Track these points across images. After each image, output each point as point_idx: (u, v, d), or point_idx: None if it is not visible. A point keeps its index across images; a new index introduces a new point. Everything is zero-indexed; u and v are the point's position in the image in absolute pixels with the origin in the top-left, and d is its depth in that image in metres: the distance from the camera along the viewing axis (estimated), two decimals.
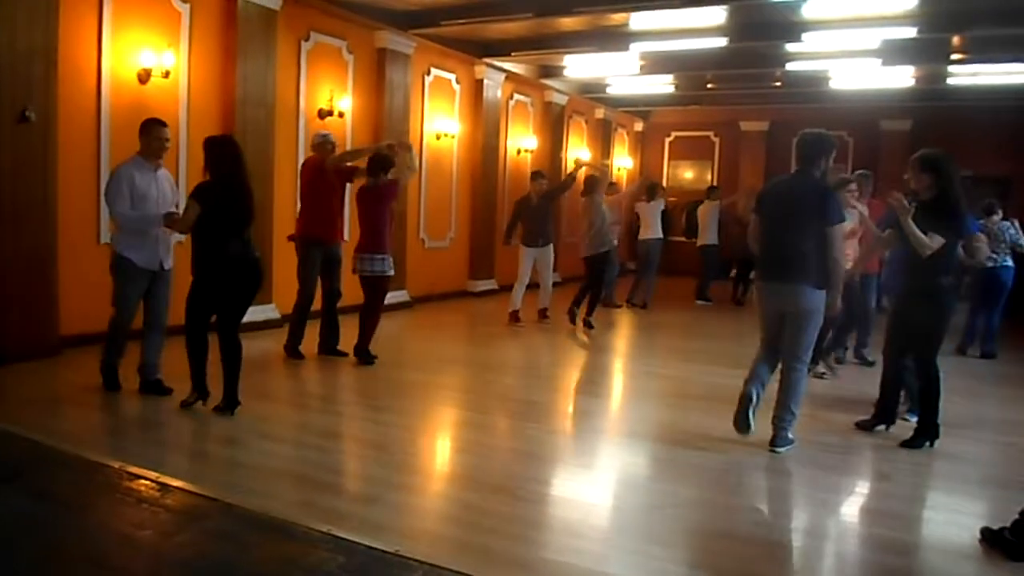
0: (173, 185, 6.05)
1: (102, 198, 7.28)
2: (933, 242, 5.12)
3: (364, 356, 7.29)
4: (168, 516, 3.71)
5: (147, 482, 4.04)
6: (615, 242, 10.36)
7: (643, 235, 12.64)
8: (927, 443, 5.35)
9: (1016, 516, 3.62)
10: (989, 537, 3.73)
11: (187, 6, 7.96)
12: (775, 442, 5.13)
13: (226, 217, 5.33)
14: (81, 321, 7.03)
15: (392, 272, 7.45)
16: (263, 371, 6.73)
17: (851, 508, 4.48)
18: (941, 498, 4.72)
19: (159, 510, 3.75)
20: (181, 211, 5.64)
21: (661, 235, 12.63)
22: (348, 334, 7.50)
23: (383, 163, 7.31)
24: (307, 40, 9.50)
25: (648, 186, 13.07)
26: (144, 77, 7.59)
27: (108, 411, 5.60)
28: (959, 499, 4.63)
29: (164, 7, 7.78)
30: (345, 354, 7.43)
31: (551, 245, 10.31)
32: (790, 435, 5.16)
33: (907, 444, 5.35)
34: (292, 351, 7.42)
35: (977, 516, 4.11)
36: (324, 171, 7.32)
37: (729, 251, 13.52)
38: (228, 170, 5.36)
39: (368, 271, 7.22)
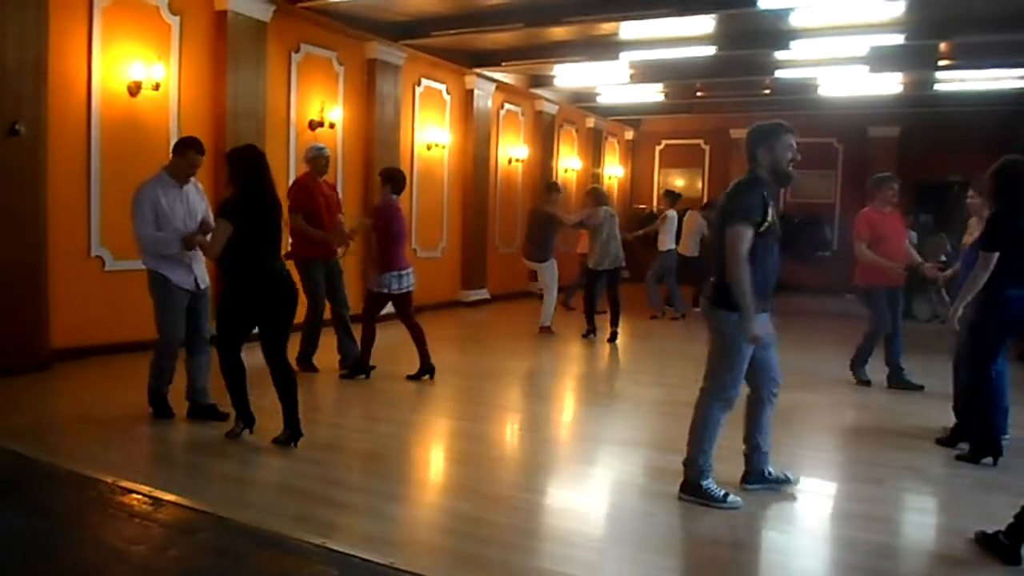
0: (203, 195, 5.79)
1: (92, 210, 7.31)
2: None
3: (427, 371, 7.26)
4: (161, 530, 3.69)
5: (139, 496, 4.02)
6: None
7: (663, 246, 12.44)
8: (986, 458, 5.08)
9: (1011, 520, 3.63)
10: (984, 541, 3.74)
11: (177, 18, 7.97)
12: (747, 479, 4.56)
13: (258, 231, 5.09)
14: (72, 334, 7.01)
15: None
16: (256, 384, 6.68)
17: (843, 512, 4.48)
18: (934, 502, 4.74)
19: (151, 524, 3.73)
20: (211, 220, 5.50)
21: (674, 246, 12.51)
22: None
23: (404, 177, 7.34)
24: (297, 51, 9.51)
25: (667, 195, 13.08)
26: (135, 89, 7.59)
27: (98, 426, 5.54)
28: (953, 503, 4.64)
29: (154, 19, 7.79)
30: (373, 367, 7.33)
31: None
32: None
33: (963, 458, 5.18)
34: (305, 364, 7.33)
35: (973, 520, 4.11)
36: (319, 186, 7.30)
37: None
38: (254, 182, 5.12)
39: (410, 285, 7.20)
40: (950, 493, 4.82)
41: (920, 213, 15.58)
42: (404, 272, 7.14)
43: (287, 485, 4.61)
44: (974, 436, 5.23)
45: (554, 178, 15.59)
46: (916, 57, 11.37)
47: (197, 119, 8.20)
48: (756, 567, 3.79)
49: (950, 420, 5.68)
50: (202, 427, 5.41)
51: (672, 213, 12.45)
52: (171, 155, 5.64)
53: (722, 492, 4.28)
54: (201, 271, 5.67)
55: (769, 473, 4.50)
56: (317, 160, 7.36)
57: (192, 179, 5.67)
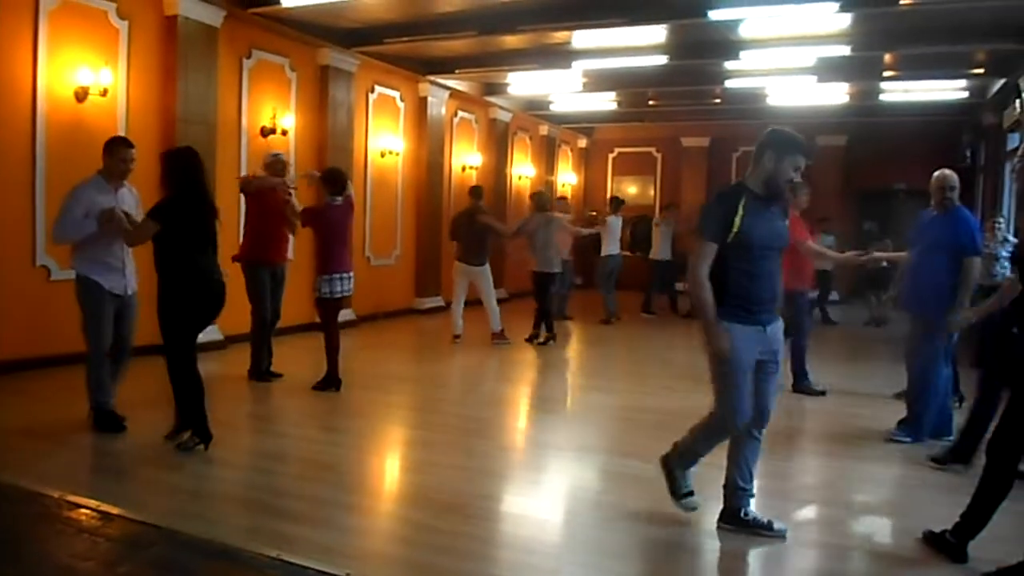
0: (137, 200, 5.72)
1: (38, 219, 7.13)
2: None
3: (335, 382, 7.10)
4: (110, 546, 3.61)
5: (87, 511, 3.93)
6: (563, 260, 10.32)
7: (606, 251, 12.60)
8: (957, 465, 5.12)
9: (958, 519, 3.72)
10: (932, 539, 3.83)
11: (125, 23, 7.84)
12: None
13: (191, 235, 5.07)
14: (16, 346, 6.84)
15: None
16: (207, 394, 6.58)
17: (799, 516, 4.56)
18: (886, 503, 4.84)
19: (100, 540, 3.65)
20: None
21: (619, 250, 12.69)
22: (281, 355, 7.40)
23: (343, 178, 7.24)
24: (249, 57, 9.41)
25: (611, 201, 13.28)
26: (81, 95, 7.44)
27: (44, 439, 5.39)
28: (903, 504, 4.75)
29: (101, 24, 7.65)
30: (279, 375, 7.29)
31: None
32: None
33: (936, 459, 5.24)
34: (258, 374, 7.23)
35: (920, 520, 4.21)
36: (272, 191, 7.22)
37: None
38: (189, 185, 5.08)
39: (349, 291, 7.11)
40: (901, 494, 4.93)
41: (865, 220, 15.98)
42: (340, 276, 7.02)
43: (239, 497, 4.55)
44: (959, 442, 5.22)
45: (509, 186, 15.68)
46: (862, 68, 11.65)
47: (146, 125, 8.06)
48: (715, 570, 3.84)
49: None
50: (149, 439, 5.28)
51: (614, 219, 12.60)
52: (103, 158, 5.51)
53: (766, 519, 4.01)
54: (131, 277, 5.58)
55: (746, 514, 4.04)
56: (274, 165, 7.31)
57: (126, 184, 5.61)
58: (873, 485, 5.12)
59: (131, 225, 5.34)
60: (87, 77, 7.46)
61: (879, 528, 4.51)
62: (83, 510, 3.94)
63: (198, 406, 5.13)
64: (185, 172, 5.11)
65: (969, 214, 5.68)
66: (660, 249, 13.39)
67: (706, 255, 3.83)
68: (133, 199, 5.67)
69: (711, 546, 4.00)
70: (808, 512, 4.58)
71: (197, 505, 4.26)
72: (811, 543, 4.01)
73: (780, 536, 3.96)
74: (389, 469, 5.58)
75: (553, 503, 4.77)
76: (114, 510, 3.95)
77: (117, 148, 5.51)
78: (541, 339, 10.21)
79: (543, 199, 10.66)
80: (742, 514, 4.02)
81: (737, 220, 3.80)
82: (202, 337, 6.87)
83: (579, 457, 5.62)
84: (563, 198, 14.77)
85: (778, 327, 3.98)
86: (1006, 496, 3.61)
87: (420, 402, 7.29)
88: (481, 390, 7.91)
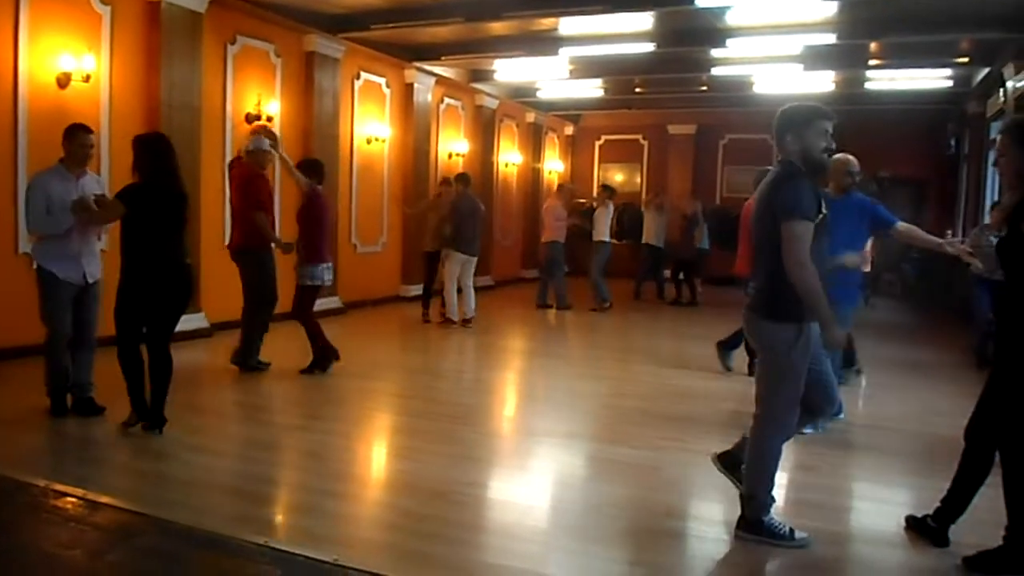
0: (102, 187, 5.70)
1: (19, 207, 7.07)
2: None
3: (326, 363, 7.15)
4: (97, 535, 3.61)
5: (74, 500, 3.93)
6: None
7: (598, 238, 12.62)
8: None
9: (938, 504, 3.77)
10: (914, 525, 3.87)
11: (108, 8, 7.76)
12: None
13: (157, 222, 5.05)
14: (1, 334, 6.79)
15: None
16: (194, 383, 6.58)
17: (780, 500, 4.60)
18: (867, 488, 4.90)
19: (87, 528, 3.65)
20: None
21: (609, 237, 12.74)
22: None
23: (322, 167, 7.26)
24: (233, 43, 9.34)
25: (603, 189, 13.36)
26: (64, 81, 7.37)
27: (30, 429, 5.38)
28: (884, 489, 4.81)
29: (84, 10, 7.57)
30: (268, 364, 7.29)
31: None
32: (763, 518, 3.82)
33: None
34: (251, 363, 7.19)
35: (903, 505, 4.27)
36: (262, 179, 7.19)
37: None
38: (159, 171, 5.07)
39: (329, 280, 7.13)
40: (878, 479, 4.99)
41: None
42: (327, 266, 7.11)
43: (226, 485, 4.55)
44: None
45: (496, 173, 15.68)
46: (848, 56, 11.68)
47: (130, 111, 8.00)
48: (699, 554, 3.87)
49: None
50: (135, 428, 5.26)
51: (609, 206, 12.66)
52: (63, 146, 5.44)
53: (785, 529, 3.79)
54: (92, 266, 5.53)
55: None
56: (256, 155, 7.25)
57: (89, 171, 5.58)
58: (851, 468, 5.17)
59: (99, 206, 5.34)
60: (69, 63, 7.38)
61: (859, 512, 4.55)
62: (69, 499, 3.94)
63: (136, 386, 5.19)
64: (155, 159, 5.10)
65: (863, 197, 5.65)
66: (654, 235, 13.37)
67: (807, 237, 3.48)
68: (98, 187, 5.62)
69: (696, 531, 4.04)
70: (791, 496, 4.62)
71: (184, 493, 4.26)
72: (797, 528, 4.03)
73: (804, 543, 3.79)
74: (375, 456, 5.59)
75: (539, 489, 4.80)
76: (100, 499, 3.95)
77: (76, 134, 5.44)
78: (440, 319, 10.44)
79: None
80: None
81: (823, 203, 3.60)
82: (188, 325, 6.87)
83: (565, 444, 5.65)
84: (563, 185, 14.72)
85: None
86: (985, 480, 3.65)
87: (406, 389, 7.30)
88: (467, 377, 7.94)
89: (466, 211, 10.17)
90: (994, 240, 4.18)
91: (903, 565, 3.73)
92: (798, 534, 3.80)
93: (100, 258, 5.71)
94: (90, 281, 5.51)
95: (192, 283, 5.33)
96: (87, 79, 7.53)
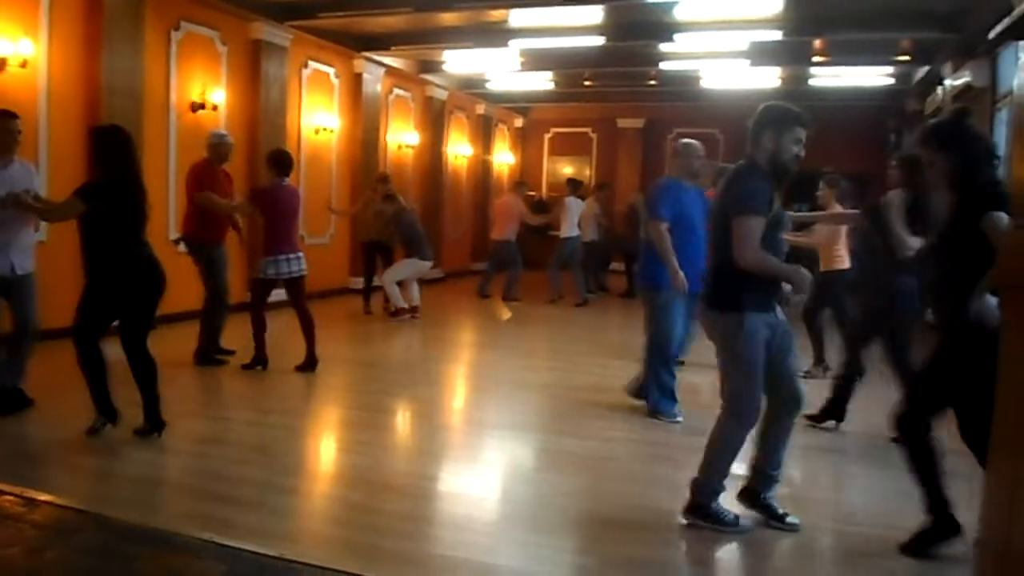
0: (32, 178, 5.44)
1: None
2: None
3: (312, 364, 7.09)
4: (36, 532, 3.51)
5: (11, 497, 3.81)
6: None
7: (565, 232, 12.66)
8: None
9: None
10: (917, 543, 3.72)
11: None
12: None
13: (125, 217, 4.88)
14: None
15: None
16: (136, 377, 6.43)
17: (732, 491, 4.66)
18: (827, 479, 5.00)
19: (25, 526, 3.55)
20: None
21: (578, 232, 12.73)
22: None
23: (290, 160, 7.17)
24: (177, 30, 9.14)
25: (568, 183, 13.38)
26: (0, 66, 7.14)
27: None
28: (844, 480, 4.92)
29: None
30: (232, 352, 7.20)
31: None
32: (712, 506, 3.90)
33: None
34: (208, 357, 7.11)
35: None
36: (217, 172, 7.07)
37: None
38: (124, 167, 4.90)
39: (299, 271, 7.03)
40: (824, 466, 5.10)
41: (794, 202, 16.33)
42: (287, 257, 6.95)
43: (171, 481, 4.48)
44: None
45: (444, 165, 15.63)
46: (793, 53, 11.89)
47: (69, 98, 7.78)
48: (649, 543, 3.91)
49: None
50: (78, 424, 5.13)
51: (572, 200, 12.70)
52: None
53: (730, 516, 3.87)
54: (21, 258, 5.29)
55: (765, 498, 3.95)
56: (219, 148, 7.15)
57: (17, 158, 5.31)
58: (811, 460, 5.26)
59: (42, 203, 5.17)
60: (6, 48, 7.14)
61: (810, 501, 4.63)
62: (7, 496, 3.81)
63: (101, 387, 4.97)
64: (119, 153, 4.92)
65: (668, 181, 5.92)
66: (589, 229, 13.29)
67: (758, 232, 3.60)
68: (27, 174, 5.38)
69: (645, 521, 4.07)
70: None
71: (128, 490, 4.18)
72: (748, 516, 4.09)
73: (792, 527, 3.89)
74: (325, 450, 5.54)
75: (489, 481, 4.80)
76: (40, 496, 3.84)
77: (1, 120, 5.20)
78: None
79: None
80: (762, 497, 3.94)
81: (775, 201, 3.70)
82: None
83: (515, 436, 5.66)
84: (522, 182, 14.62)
85: (779, 310, 3.90)
86: (937, 462, 3.65)
87: (355, 382, 7.25)
88: (417, 370, 7.90)
89: (410, 220, 10.38)
90: None
91: (845, 548, 3.82)
92: (742, 521, 3.87)
93: (33, 250, 5.48)
94: (19, 273, 5.26)
95: (162, 275, 5.08)
96: (24, 64, 7.30)
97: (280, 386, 6.69)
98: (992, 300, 3.26)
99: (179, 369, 6.94)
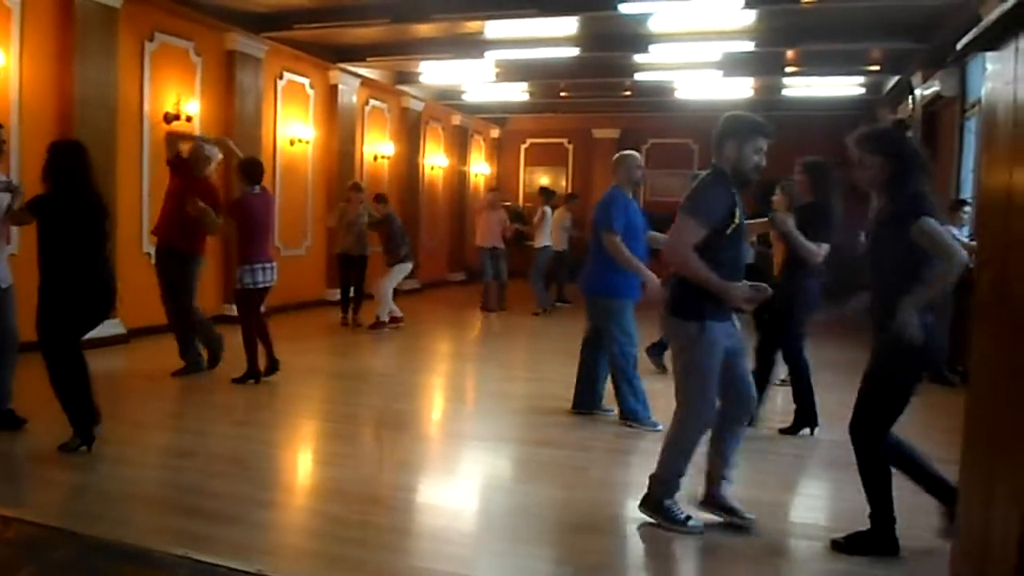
0: (12, 189, 5.28)
1: None
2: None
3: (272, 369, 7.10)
4: (7, 551, 3.47)
5: None
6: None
7: (540, 242, 12.80)
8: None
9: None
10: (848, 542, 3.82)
11: (18, 2, 7.46)
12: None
13: (72, 234, 4.80)
14: None
15: None
16: (111, 390, 6.36)
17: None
18: (802, 484, 5.03)
19: None
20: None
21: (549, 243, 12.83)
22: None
23: (261, 169, 7.13)
24: (151, 40, 9.09)
25: (541, 192, 13.47)
26: None
27: None
28: (815, 484, 4.95)
29: None
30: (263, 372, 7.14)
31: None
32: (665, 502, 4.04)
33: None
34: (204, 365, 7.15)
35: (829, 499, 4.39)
36: (197, 180, 7.04)
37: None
38: (68, 182, 4.83)
39: (271, 281, 7.01)
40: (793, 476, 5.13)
41: (768, 210, 16.45)
42: (263, 266, 6.94)
43: (144, 495, 4.43)
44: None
45: (421, 175, 15.64)
46: (765, 63, 12.00)
47: (41, 109, 7.71)
48: (626, 551, 3.92)
49: None
50: (50, 439, 5.06)
51: (547, 210, 12.78)
52: None
53: (683, 515, 3.98)
54: (3, 271, 5.25)
55: (720, 498, 4.07)
56: (198, 154, 7.17)
57: None
58: (785, 464, 5.30)
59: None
60: None
61: (791, 507, 4.66)
62: None
63: (82, 404, 4.90)
64: (67, 169, 4.85)
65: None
66: (560, 239, 13.27)
67: (695, 236, 3.73)
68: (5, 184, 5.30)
69: (625, 529, 4.09)
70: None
71: (102, 506, 4.13)
72: (721, 524, 4.11)
73: (748, 522, 4.00)
74: (302, 463, 5.50)
75: (467, 492, 4.80)
76: (12, 513, 3.79)
77: None
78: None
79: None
80: (717, 497, 4.05)
81: (737, 211, 3.79)
82: (104, 331, 6.62)
83: (492, 446, 5.66)
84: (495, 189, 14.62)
85: (734, 318, 4.02)
86: (889, 472, 3.74)
87: (333, 394, 7.21)
88: (394, 381, 7.87)
89: (399, 226, 10.56)
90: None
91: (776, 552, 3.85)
92: (692, 522, 3.97)
93: (9, 263, 5.42)
94: (3, 287, 5.24)
95: (113, 296, 5.06)
96: None
97: (255, 398, 6.64)
98: (915, 316, 3.39)
99: (150, 382, 6.89)
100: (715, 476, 4.07)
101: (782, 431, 5.83)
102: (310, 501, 4.63)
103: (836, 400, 5.69)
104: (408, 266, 10.52)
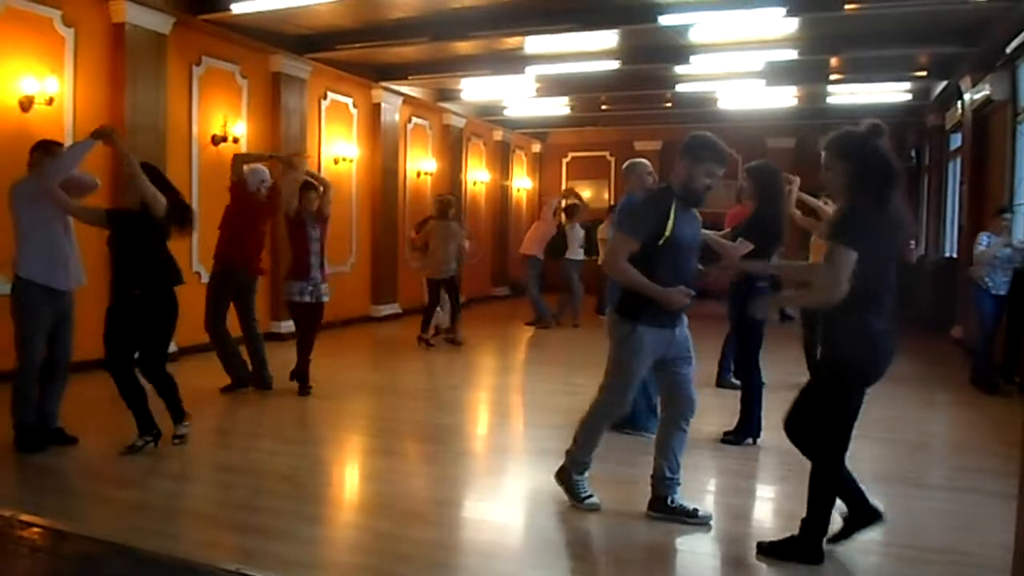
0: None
1: None
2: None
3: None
4: (65, 565, 3.54)
5: (40, 530, 3.84)
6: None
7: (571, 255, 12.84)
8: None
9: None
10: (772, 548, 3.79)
11: (71, 31, 7.70)
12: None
13: (152, 244, 5.24)
14: None
15: None
16: (162, 408, 6.47)
17: (752, 510, 4.63)
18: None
19: (56, 559, 3.59)
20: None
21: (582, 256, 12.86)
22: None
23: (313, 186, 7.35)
24: (199, 64, 9.30)
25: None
26: (27, 104, 7.29)
27: None
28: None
29: (47, 32, 7.51)
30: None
31: None
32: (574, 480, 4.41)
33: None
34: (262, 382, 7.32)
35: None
36: (252, 197, 7.19)
37: None
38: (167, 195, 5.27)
39: (327, 295, 7.19)
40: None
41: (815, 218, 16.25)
42: (303, 284, 7.11)
43: (195, 511, 4.50)
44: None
45: (464, 191, 15.72)
46: (809, 72, 11.86)
47: None
48: (674, 568, 3.88)
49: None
50: (103, 456, 5.18)
51: (576, 225, 12.78)
52: (32, 158, 5.33)
53: (585, 494, 4.36)
54: (77, 271, 5.45)
55: (672, 501, 4.21)
56: (257, 178, 7.33)
57: None
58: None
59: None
60: (32, 86, 7.31)
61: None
62: (35, 529, 3.85)
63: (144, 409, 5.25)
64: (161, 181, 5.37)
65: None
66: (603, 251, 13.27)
67: (627, 249, 3.99)
68: None
69: (675, 545, 4.04)
70: (741, 503, 4.65)
71: (154, 521, 4.20)
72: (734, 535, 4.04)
73: (705, 523, 4.14)
74: (349, 478, 5.54)
75: (513, 507, 4.78)
76: (69, 528, 3.87)
77: (50, 149, 5.41)
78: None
79: (444, 205, 10.59)
80: (669, 501, 4.19)
81: (669, 224, 3.96)
82: None
83: (538, 460, 5.61)
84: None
85: (685, 328, 4.20)
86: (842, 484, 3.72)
87: (378, 410, 7.25)
88: (439, 397, 7.90)
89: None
90: None
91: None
92: (590, 500, 4.32)
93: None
94: (74, 287, 5.42)
95: (175, 303, 5.38)
96: (50, 102, 7.46)
97: (302, 414, 6.72)
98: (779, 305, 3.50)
99: (199, 399, 6.98)
100: (662, 480, 4.21)
101: (724, 439, 5.82)
102: (357, 516, 4.66)
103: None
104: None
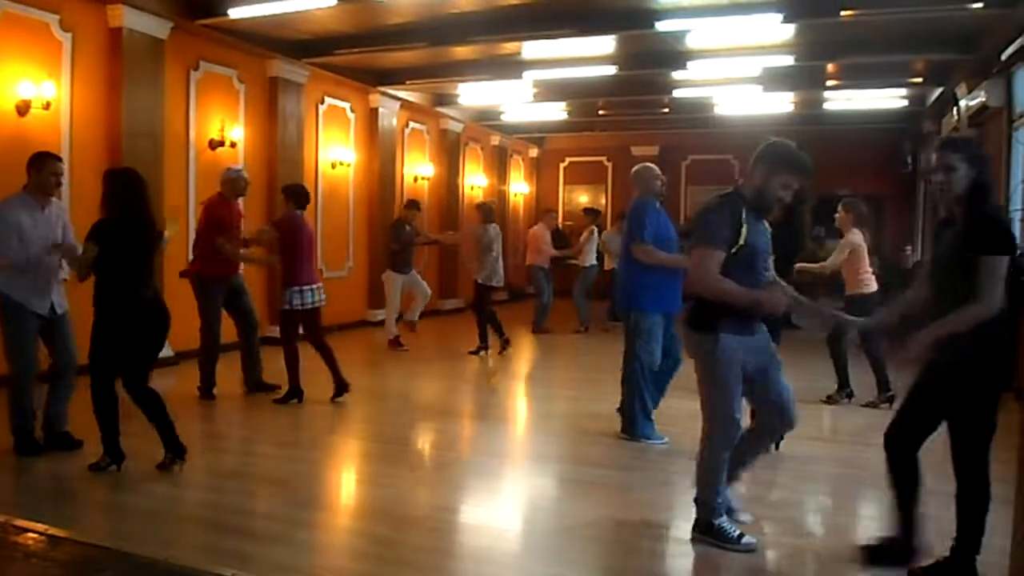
0: (66, 222, 5.50)
1: None
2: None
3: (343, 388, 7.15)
4: (59, 570, 3.53)
5: (35, 535, 3.84)
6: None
7: (587, 261, 12.85)
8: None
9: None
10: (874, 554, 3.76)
11: (68, 35, 7.70)
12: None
13: (129, 258, 4.90)
14: None
15: None
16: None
17: (752, 514, 4.60)
18: (841, 503, 4.94)
19: (49, 564, 3.57)
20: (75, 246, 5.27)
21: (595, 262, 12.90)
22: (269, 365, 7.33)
23: (307, 194, 7.32)
24: (196, 69, 9.30)
25: (586, 212, 13.53)
26: (23, 109, 7.28)
27: None
28: (857, 504, 4.85)
29: (44, 36, 7.51)
30: (276, 387, 7.23)
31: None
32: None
33: None
34: (207, 393, 7.16)
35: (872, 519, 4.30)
36: (230, 206, 7.16)
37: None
38: (131, 207, 4.94)
39: (320, 301, 7.10)
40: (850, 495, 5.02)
41: (813, 225, 16.28)
42: (308, 288, 7.01)
43: (192, 516, 4.48)
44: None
45: (461, 196, 15.72)
46: (806, 77, 11.90)
47: (91, 139, 7.92)
48: (672, 571, 3.87)
49: None
50: (92, 459, 5.13)
51: (594, 229, 12.83)
52: (28, 174, 5.25)
53: (736, 532, 3.92)
54: (59, 298, 5.37)
55: (718, 526, 3.95)
56: (236, 182, 7.28)
57: (54, 199, 5.41)
58: (827, 484, 5.21)
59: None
60: (29, 90, 7.30)
61: (836, 526, 4.58)
62: (30, 534, 3.84)
63: (111, 427, 4.97)
64: (127, 194, 4.96)
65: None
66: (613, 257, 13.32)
67: (714, 261, 3.70)
68: (62, 213, 5.50)
69: (670, 550, 4.04)
70: (762, 511, 4.64)
71: (149, 526, 4.18)
72: (770, 543, 4.05)
73: (745, 524, 4.04)
74: (345, 483, 5.53)
75: (511, 512, 4.77)
76: (63, 533, 3.86)
77: (45, 161, 5.26)
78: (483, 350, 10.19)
79: (490, 210, 10.66)
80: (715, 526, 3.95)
81: (743, 231, 3.73)
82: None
83: (535, 466, 5.64)
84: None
85: (764, 333, 3.98)
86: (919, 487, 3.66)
87: (375, 415, 7.24)
88: (436, 402, 7.89)
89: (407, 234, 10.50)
90: None
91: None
92: (745, 539, 3.89)
93: (64, 287, 5.57)
94: (58, 311, 5.35)
95: (166, 316, 5.12)
96: (47, 106, 7.45)
97: (297, 418, 6.71)
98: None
99: (194, 404, 6.98)
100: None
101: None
102: (354, 521, 4.65)
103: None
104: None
